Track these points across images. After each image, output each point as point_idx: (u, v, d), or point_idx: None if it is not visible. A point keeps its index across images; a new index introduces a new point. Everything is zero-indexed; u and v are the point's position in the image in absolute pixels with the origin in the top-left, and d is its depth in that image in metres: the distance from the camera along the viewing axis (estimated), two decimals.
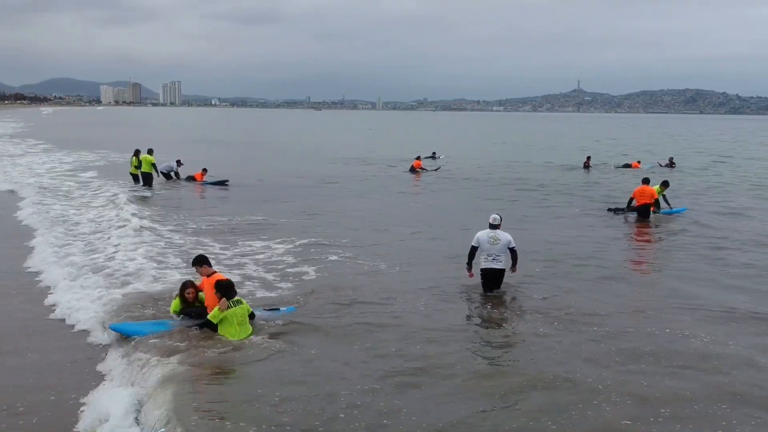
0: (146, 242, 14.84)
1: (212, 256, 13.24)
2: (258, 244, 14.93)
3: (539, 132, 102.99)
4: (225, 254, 13.89)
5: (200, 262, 9.57)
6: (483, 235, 11.15)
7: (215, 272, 9.57)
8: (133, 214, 18.12)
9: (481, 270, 11.17)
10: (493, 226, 11.19)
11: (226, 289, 9.00)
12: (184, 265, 12.36)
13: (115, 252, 13.83)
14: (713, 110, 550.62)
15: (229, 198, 23.07)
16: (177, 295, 9.59)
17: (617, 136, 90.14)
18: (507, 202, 22.71)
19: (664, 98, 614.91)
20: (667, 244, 16.36)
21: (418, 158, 34.24)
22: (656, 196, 19.04)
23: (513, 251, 11.16)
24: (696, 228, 17.74)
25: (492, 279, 11.14)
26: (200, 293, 9.55)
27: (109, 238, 15.25)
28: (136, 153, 25.90)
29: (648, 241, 16.99)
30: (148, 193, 23.79)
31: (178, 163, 27.42)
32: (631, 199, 19.24)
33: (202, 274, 9.50)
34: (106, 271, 12.37)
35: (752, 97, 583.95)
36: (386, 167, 35.77)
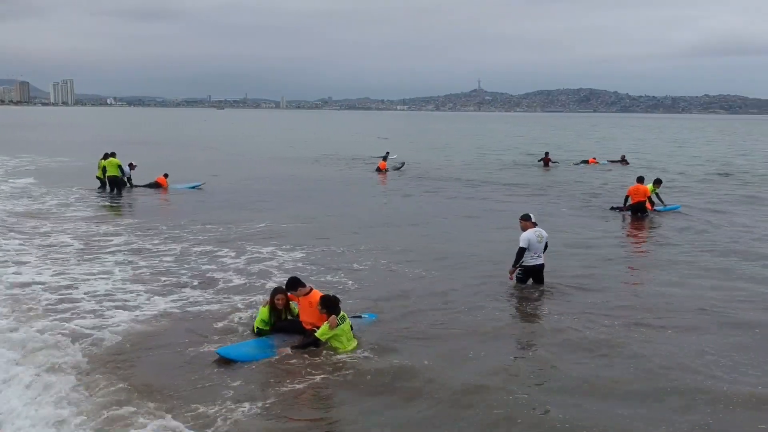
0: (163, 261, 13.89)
1: (234, 266, 12.92)
2: (269, 250, 14.42)
3: (465, 131, 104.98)
4: (238, 262, 13.30)
5: (294, 286, 9.25)
6: (531, 235, 11.41)
7: (312, 289, 9.29)
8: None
9: (526, 267, 11.48)
10: (535, 224, 11.62)
11: (334, 306, 8.77)
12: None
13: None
14: (606, 109, 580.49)
15: (210, 203, 22.05)
16: (266, 303, 9.26)
17: (540, 135, 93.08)
18: (498, 202, 22.86)
19: (560, 98, 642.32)
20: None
21: (384, 159, 34.58)
22: (649, 194, 19.99)
23: (545, 245, 11.61)
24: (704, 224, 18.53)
25: (537, 274, 11.58)
26: (291, 302, 9.36)
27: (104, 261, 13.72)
28: (106, 156, 24.29)
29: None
30: (121, 201, 22.36)
31: (131, 166, 25.71)
32: (627, 197, 19.89)
33: (298, 296, 9.21)
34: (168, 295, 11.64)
35: (641, 96, 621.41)
36: (346, 167, 35.67)
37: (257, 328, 9.18)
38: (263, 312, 9.21)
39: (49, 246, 14.76)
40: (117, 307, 10.39)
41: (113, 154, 24.20)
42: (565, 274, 12.41)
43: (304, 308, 9.22)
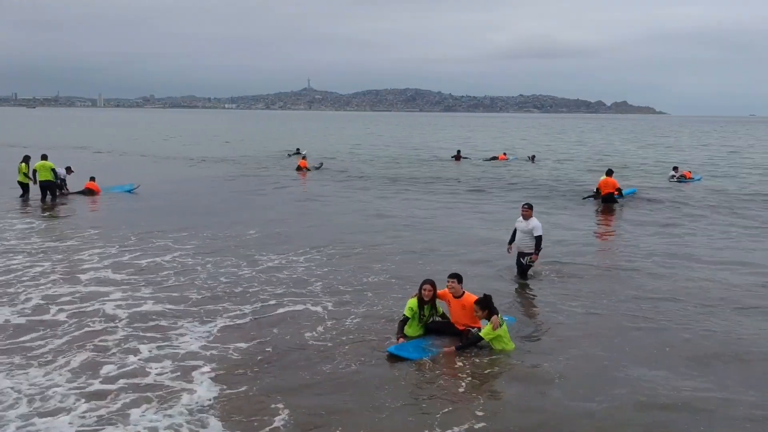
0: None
1: (248, 276, 12.41)
2: (279, 258, 13.84)
3: (321, 130, 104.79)
4: (249, 272, 12.66)
5: (461, 278, 9.40)
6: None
7: (465, 292, 9.40)
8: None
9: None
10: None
11: (493, 306, 8.91)
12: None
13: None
14: (430, 108, 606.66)
15: (163, 209, 20.64)
16: (415, 294, 9.36)
17: (404, 134, 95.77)
18: (452, 195, 23.70)
19: (388, 97, 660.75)
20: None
21: (304, 158, 35.14)
22: (618, 186, 21.88)
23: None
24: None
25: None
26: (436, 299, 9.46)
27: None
28: (26, 159, 21.64)
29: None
30: (62, 209, 20.08)
31: (68, 170, 23.27)
32: (598, 190, 21.58)
33: (456, 292, 9.32)
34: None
35: (463, 96, 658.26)
36: (256, 167, 35.11)
37: (404, 315, 9.25)
38: (412, 302, 9.28)
39: (74, 264, 13.12)
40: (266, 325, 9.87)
41: (45, 157, 21.65)
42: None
43: (456, 310, 9.35)
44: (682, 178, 28.96)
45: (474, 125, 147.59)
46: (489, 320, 8.79)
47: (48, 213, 19.51)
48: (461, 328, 9.25)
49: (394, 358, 8.48)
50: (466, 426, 6.72)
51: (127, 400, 7.14)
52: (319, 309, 10.43)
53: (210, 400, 7.21)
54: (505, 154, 42.34)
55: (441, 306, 9.59)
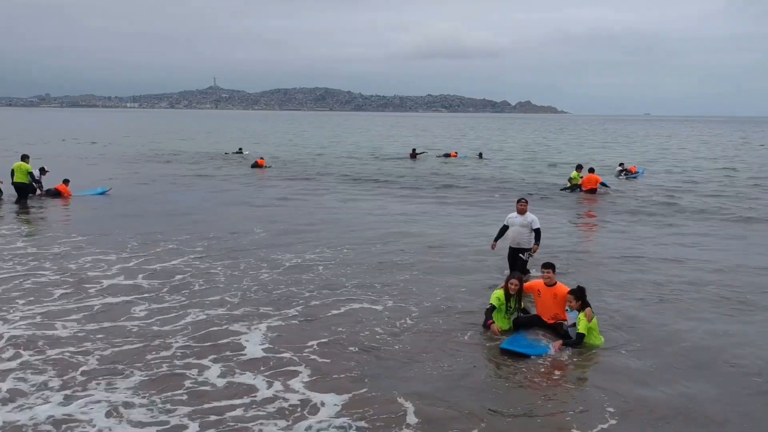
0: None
1: (274, 278, 12.20)
2: (296, 257, 13.68)
3: (248, 130, 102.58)
4: (270, 274, 12.41)
5: (554, 267, 9.57)
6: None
7: (557, 282, 9.51)
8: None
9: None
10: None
11: (585, 297, 9.00)
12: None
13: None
14: (340, 107, 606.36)
15: (150, 212, 19.69)
16: (501, 287, 9.51)
17: (319, 134, 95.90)
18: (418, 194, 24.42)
19: (297, 96, 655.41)
20: None
21: (261, 157, 35.69)
22: (600, 180, 24.26)
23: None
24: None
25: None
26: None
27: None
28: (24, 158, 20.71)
29: None
30: (40, 212, 19.04)
31: (42, 171, 22.03)
32: (579, 186, 24.34)
33: (550, 281, 9.42)
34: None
35: (373, 96, 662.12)
36: (213, 167, 34.79)
37: (491, 303, 9.40)
38: (499, 293, 9.43)
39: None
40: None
41: (25, 158, 20.60)
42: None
43: (547, 300, 9.38)
44: (629, 173, 30.63)
45: (401, 124, 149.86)
46: (581, 311, 8.85)
47: (26, 216, 18.50)
48: (550, 321, 9.30)
49: (506, 353, 8.41)
50: (606, 426, 6.71)
51: (265, 426, 6.55)
52: (377, 307, 10.31)
53: (338, 405, 6.93)
54: (456, 152, 44.04)
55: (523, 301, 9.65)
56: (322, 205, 21.46)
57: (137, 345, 8.60)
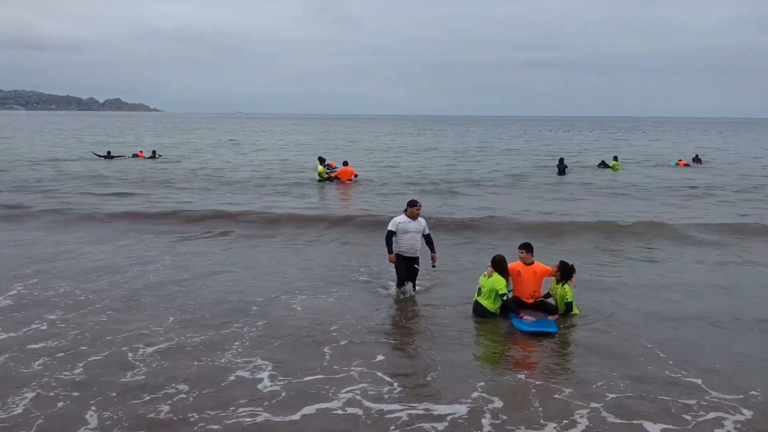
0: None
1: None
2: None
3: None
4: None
5: (531, 247, 10.24)
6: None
7: (534, 261, 10.25)
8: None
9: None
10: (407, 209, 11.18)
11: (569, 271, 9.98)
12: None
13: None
14: None
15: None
16: (491, 272, 9.83)
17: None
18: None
19: None
20: None
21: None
22: (355, 173, 28.35)
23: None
24: None
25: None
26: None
27: None
28: None
29: None
30: None
31: None
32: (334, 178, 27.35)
33: (528, 260, 10.13)
34: None
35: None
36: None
37: (500, 292, 9.74)
38: (500, 281, 9.75)
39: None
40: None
41: None
42: None
43: (528, 278, 10.07)
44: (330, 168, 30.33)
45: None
46: (566, 283, 9.76)
47: None
48: (529, 300, 10.02)
49: (531, 334, 9.05)
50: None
51: None
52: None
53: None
54: (142, 151, 42.24)
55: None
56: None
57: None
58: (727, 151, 54.94)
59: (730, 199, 23.82)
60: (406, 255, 10.76)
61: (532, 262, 10.12)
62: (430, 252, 10.97)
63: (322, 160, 28.62)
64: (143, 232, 16.33)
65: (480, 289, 9.87)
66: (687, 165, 38.61)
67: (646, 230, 16.72)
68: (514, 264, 10.14)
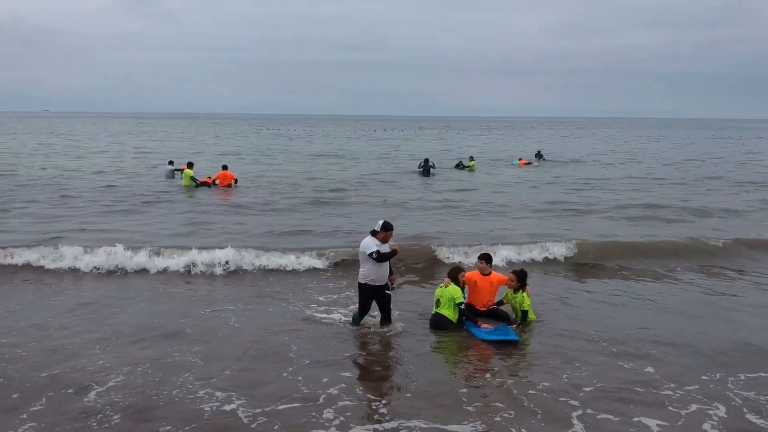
0: None
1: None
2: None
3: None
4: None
5: (491, 258, 10.63)
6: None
7: (492, 272, 10.64)
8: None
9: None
10: (376, 232, 9.78)
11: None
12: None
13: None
14: None
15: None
16: (448, 283, 9.98)
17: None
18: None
19: None
20: None
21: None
22: (235, 177, 27.44)
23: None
24: None
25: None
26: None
27: None
28: None
29: None
30: None
31: None
32: (215, 181, 26.81)
33: (486, 270, 10.47)
34: None
35: None
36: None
37: (460, 303, 9.91)
38: (457, 290, 9.89)
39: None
40: None
41: None
42: None
43: (484, 288, 10.42)
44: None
45: None
46: (522, 291, 10.20)
47: None
48: (482, 308, 10.38)
49: (492, 343, 9.36)
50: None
51: None
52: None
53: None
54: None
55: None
56: None
57: None
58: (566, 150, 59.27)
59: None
60: (377, 284, 9.70)
61: (490, 273, 10.45)
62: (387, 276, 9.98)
63: (190, 165, 27.32)
64: None
65: (438, 301, 9.95)
66: (528, 163, 41.60)
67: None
68: (471, 273, 10.48)
